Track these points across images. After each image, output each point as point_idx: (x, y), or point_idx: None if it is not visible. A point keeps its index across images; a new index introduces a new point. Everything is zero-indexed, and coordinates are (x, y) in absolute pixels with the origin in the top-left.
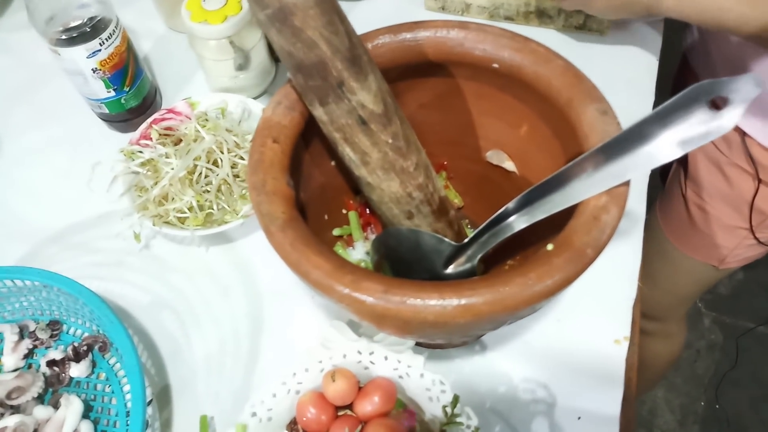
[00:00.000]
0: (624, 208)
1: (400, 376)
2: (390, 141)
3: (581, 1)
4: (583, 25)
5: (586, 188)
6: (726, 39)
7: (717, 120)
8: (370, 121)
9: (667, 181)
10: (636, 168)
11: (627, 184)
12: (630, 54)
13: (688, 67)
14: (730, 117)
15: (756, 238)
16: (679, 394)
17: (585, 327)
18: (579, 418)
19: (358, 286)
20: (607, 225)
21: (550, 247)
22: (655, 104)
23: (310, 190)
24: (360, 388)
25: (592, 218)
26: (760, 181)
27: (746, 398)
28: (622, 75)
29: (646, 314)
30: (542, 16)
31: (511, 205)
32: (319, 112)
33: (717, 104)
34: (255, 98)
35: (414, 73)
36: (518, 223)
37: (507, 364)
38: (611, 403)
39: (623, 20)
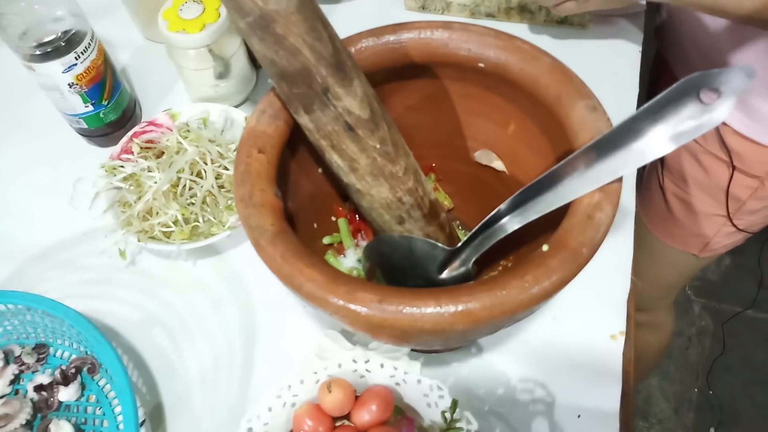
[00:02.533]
0: (617, 205)
1: (397, 383)
2: (378, 146)
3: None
4: (565, 20)
5: (579, 186)
6: (701, 28)
7: (708, 113)
8: (357, 126)
9: (644, 172)
10: (628, 164)
11: (620, 180)
12: (612, 47)
13: (662, 58)
14: (722, 109)
15: (734, 224)
16: (673, 382)
17: (581, 324)
18: (579, 416)
19: (353, 297)
20: (602, 223)
21: (545, 247)
22: (640, 96)
23: (299, 199)
24: (357, 398)
25: (587, 217)
26: (734, 168)
27: (739, 383)
28: (605, 68)
29: (635, 306)
30: (523, 11)
31: (503, 206)
32: (304, 120)
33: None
34: (237, 106)
35: (399, 75)
36: (511, 224)
37: (504, 365)
38: (610, 399)
39: (608, 12)
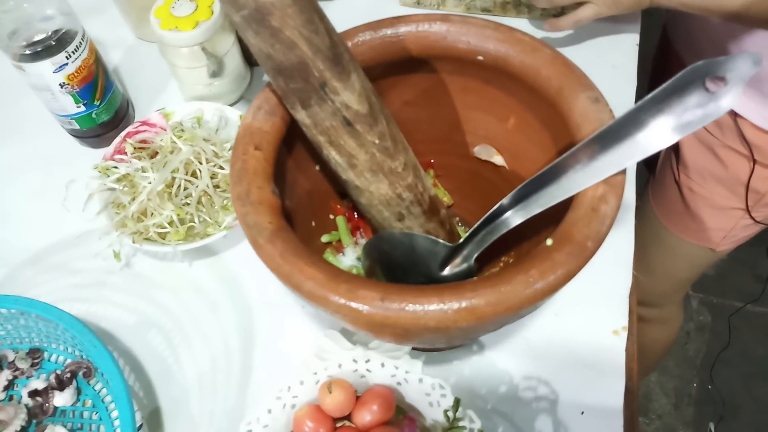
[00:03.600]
0: (622, 197)
1: (399, 383)
2: (377, 141)
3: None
4: (561, 14)
5: (583, 179)
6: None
7: (715, 101)
8: (355, 122)
9: (657, 167)
10: (633, 156)
11: (623, 172)
12: (610, 40)
13: (670, 48)
14: (729, 98)
15: (752, 217)
16: (672, 377)
17: (583, 320)
18: (582, 413)
19: (354, 295)
20: (607, 216)
21: (549, 242)
22: (638, 88)
23: (296, 197)
24: (358, 398)
25: (591, 210)
26: (755, 162)
27: (738, 377)
28: (603, 61)
29: (644, 301)
30: (519, 5)
31: (505, 200)
32: (301, 116)
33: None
34: (231, 105)
35: (397, 69)
36: (514, 218)
37: (507, 362)
38: (613, 395)
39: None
